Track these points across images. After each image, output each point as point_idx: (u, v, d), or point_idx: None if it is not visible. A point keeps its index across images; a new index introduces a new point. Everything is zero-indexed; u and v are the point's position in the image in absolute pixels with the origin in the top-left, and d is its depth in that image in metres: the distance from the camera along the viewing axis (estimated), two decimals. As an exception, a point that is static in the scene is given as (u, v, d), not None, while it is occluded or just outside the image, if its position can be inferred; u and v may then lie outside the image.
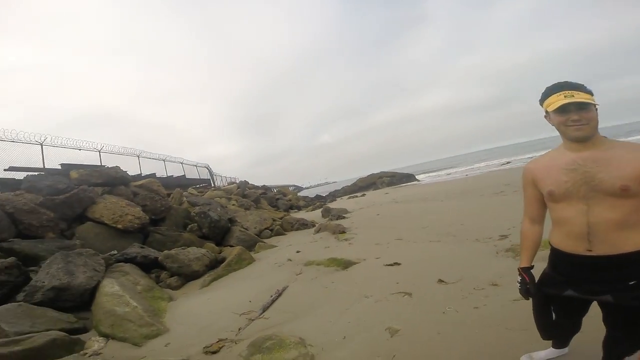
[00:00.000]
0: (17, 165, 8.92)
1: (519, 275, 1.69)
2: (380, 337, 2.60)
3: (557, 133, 1.46)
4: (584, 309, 1.64)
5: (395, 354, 2.34)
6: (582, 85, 1.37)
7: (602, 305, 1.51)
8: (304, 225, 10.28)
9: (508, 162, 28.74)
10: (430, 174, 38.95)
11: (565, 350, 1.98)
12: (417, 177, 32.54)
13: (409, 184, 29.00)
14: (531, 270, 1.67)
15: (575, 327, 1.78)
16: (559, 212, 1.47)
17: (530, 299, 1.76)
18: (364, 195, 23.53)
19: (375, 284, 3.85)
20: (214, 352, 2.70)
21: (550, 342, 1.99)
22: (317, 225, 9.72)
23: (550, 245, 1.60)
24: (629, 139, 7.02)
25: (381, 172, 33.11)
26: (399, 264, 4.45)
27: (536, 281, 1.67)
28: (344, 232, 7.91)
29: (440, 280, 3.57)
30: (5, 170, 8.53)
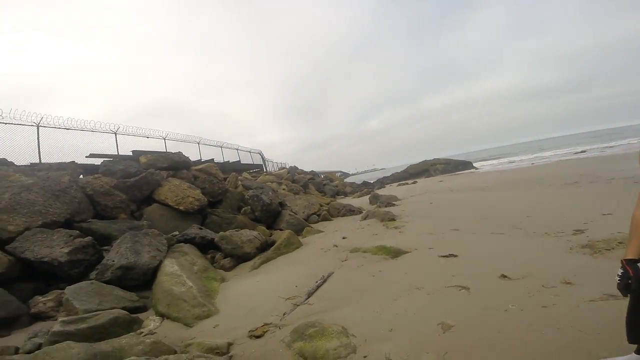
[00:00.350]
0: (96, 153, 10.05)
1: (621, 267, 1.50)
2: (431, 333, 2.41)
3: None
4: None
5: (446, 352, 2.14)
6: None
7: None
8: (350, 211, 10.18)
9: (583, 151, 25.35)
10: (490, 162, 36.06)
11: None
12: (474, 164, 30.37)
13: (465, 171, 27.18)
14: (639, 265, 1.47)
15: None
16: None
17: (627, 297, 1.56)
18: (415, 182, 22.60)
19: (427, 276, 3.61)
20: (258, 337, 2.75)
21: (634, 347, 1.71)
22: (364, 211, 9.55)
23: None
24: None
25: (434, 159, 31.48)
26: (455, 256, 4.13)
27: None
28: (393, 219, 7.65)
29: (503, 276, 3.23)
30: (86, 157, 9.67)
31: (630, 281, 1.45)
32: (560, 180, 10.38)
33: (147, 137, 14.02)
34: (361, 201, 14.31)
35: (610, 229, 4.18)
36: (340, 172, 64.15)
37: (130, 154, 10.66)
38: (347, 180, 40.29)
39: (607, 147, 26.39)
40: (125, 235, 4.86)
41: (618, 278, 1.51)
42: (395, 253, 4.69)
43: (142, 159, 9.27)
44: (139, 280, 4.34)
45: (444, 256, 4.20)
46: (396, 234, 6.22)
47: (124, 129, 12.45)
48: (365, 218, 8.47)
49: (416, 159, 37.64)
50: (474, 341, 2.23)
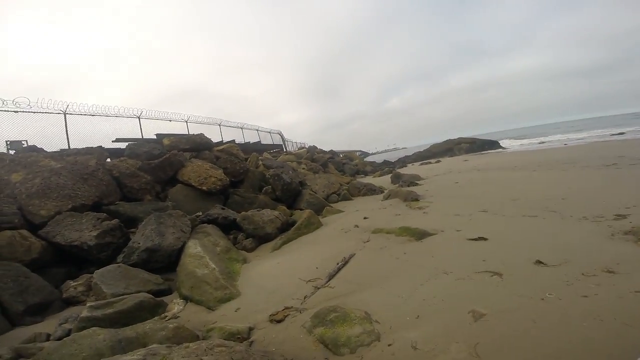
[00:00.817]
0: (122, 137, 10.30)
1: None
2: (461, 321, 2.28)
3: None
4: None
5: (478, 342, 2.02)
6: None
7: None
8: (371, 190, 9.99)
9: (622, 133, 23.51)
10: (519, 141, 34.34)
11: None
12: (501, 144, 29.03)
13: (491, 151, 26.05)
14: None
15: None
16: None
17: None
18: (438, 162, 21.93)
19: (455, 260, 3.44)
20: (278, 321, 2.72)
21: None
22: (386, 191, 9.35)
23: None
24: None
25: (459, 138, 30.31)
26: (485, 239, 3.92)
27: None
28: (417, 199, 7.43)
29: (539, 262, 3.02)
30: (112, 141, 9.95)
31: None
32: (596, 161, 9.68)
33: (170, 121, 14.26)
34: (382, 180, 14.06)
35: (658, 214, 3.80)
36: (360, 151, 63.44)
37: (154, 137, 10.88)
38: (367, 159, 39.75)
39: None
40: (150, 217, 4.93)
41: None
42: (420, 235, 4.53)
43: (165, 141, 9.43)
44: (164, 263, 4.40)
45: (472, 239, 4.01)
46: (420, 215, 6.03)
47: (147, 114, 12.68)
48: (387, 198, 8.29)
49: (439, 138, 36.52)
50: (507, 331, 2.09)
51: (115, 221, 4.97)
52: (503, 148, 27.29)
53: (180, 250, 4.46)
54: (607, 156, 10.44)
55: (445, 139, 31.14)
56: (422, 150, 31.28)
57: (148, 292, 3.53)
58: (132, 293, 3.34)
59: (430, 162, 22.20)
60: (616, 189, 5.66)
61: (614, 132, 25.20)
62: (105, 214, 5.20)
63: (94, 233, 4.60)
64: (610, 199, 4.99)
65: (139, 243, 4.41)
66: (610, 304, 2.20)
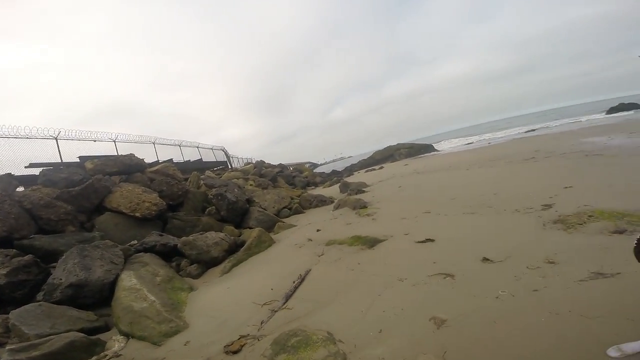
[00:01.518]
0: (36, 162, 8.94)
1: None
2: (424, 329, 2.24)
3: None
4: None
5: (445, 350, 1.99)
6: None
7: None
8: (322, 202, 9.99)
9: (533, 130, 27.02)
10: (450, 145, 37.56)
11: None
12: (435, 147, 31.40)
13: (428, 154, 28.02)
14: None
15: None
16: None
17: None
18: (382, 168, 22.90)
19: (408, 265, 3.47)
20: (235, 352, 2.46)
21: None
22: (336, 201, 9.41)
23: None
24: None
25: (398, 144, 32.11)
26: (432, 241, 4.05)
27: None
28: (365, 206, 7.55)
29: (485, 259, 3.15)
30: (25, 167, 8.57)
31: None
32: (517, 156, 10.86)
33: (95, 141, 12.78)
34: (332, 190, 14.18)
35: (577, 202, 4.30)
36: (310, 162, 63.95)
37: (77, 160, 9.63)
38: (317, 170, 40.13)
39: (556, 124, 28.32)
40: (71, 250, 4.33)
41: (635, 243, 1.56)
42: (371, 242, 4.55)
43: (89, 165, 8.40)
44: (95, 298, 3.90)
45: (421, 242, 4.12)
46: (370, 222, 6.11)
47: (67, 134, 11.21)
48: (337, 207, 8.31)
49: (381, 145, 38.31)
50: (471, 335, 2.09)
51: (28, 257, 4.29)
52: (437, 151, 29.50)
53: (113, 283, 3.99)
54: (525, 151, 11.75)
55: (386, 146, 32.72)
56: (366, 157, 32.44)
57: (80, 330, 3.15)
58: (60, 333, 2.96)
59: (374, 169, 23.07)
60: (538, 180, 6.31)
61: (527, 129, 28.77)
62: (15, 250, 4.45)
63: (3, 271, 4.01)
64: (535, 190, 5.52)
65: (61, 279, 3.86)
66: (560, 295, 2.30)
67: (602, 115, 27.04)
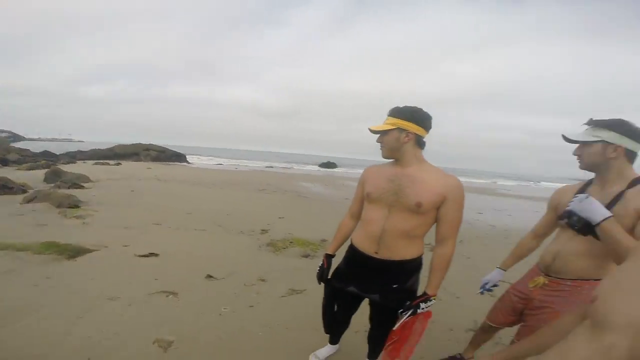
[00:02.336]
0: None
1: (323, 260, 1.77)
2: (148, 355, 1.94)
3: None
4: (356, 306, 1.79)
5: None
6: (397, 109, 1.44)
7: (371, 303, 1.68)
8: (4, 187, 6.99)
9: (271, 167, 32.62)
10: (202, 158, 38.14)
11: (337, 346, 2.10)
12: (188, 158, 30.85)
13: (178, 163, 26.93)
14: (332, 259, 1.77)
15: (347, 323, 1.93)
16: (368, 212, 1.56)
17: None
18: (119, 164, 19.45)
19: (124, 282, 2.96)
20: None
21: (328, 338, 2.06)
22: (31, 191, 6.87)
23: (351, 242, 1.68)
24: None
25: (150, 144, 28.95)
26: (156, 255, 3.68)
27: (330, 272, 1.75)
28: (77, 206, 5.94)
29: (209, 276, 3.19)
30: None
31: (324, 272, 1.73)
32: (254, 185, 12.45)
33: None
34: (31, 176, 10.32)
35: (285, 230, 5.29)
36: (9, 132, 44.73)
37: None
38: (19, 144, 28.56)
39: (283, 166, 35.47)
40: None
41: (318, 269, 1.75)
42: (73, 252, 3.54)
43: None
44: None
45: (143, 255, 3.64)
46: (78, 226, 4.82)
47: None
48: (30, 200, 6.03)
49: (130, 140, 33.10)
50: (203, 354, 2.00)
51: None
52: (188, 162, 28.97)
53: None
54: (260, 182, 13.68)
55: (136, 142, 28.59)
56: (103, 148, 26.75)
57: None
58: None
59: (108, 163, 19.18)
60: (263, 209, 7.39)
61: (267, 165, 34.11)
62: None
63: None
64: (259, 216, 6.40)
65: None
66: (269, 310, 2.63)
67: (316, 167, 36.69)
